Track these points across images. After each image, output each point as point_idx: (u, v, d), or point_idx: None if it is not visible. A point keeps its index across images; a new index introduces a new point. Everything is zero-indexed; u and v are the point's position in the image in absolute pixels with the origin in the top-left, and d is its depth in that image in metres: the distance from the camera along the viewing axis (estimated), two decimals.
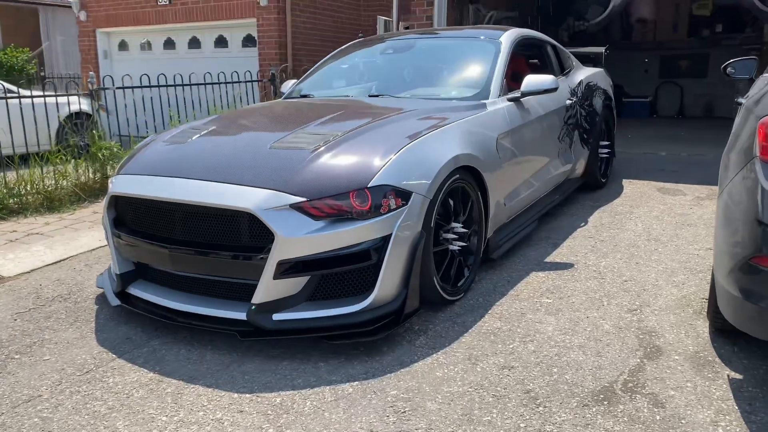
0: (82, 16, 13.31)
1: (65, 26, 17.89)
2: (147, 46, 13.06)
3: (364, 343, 2.99)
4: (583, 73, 5.59)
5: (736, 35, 11.84)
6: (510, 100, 4.11)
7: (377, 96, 4.24)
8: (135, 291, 3.31)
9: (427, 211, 3.07)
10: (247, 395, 2.61)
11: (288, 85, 5.02)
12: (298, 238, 2.79)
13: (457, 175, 3.30)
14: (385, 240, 2.90)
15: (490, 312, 3.33)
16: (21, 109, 6.32)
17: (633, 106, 12.61)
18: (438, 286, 3.21)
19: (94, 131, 6.45)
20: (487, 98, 3.98)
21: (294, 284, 2.87)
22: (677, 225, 4.78)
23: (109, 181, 3.53)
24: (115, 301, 3.34)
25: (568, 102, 4.96)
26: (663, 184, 6.12)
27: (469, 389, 2.60)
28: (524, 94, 4.11)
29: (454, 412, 2.45)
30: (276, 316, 2.88)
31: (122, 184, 3.28)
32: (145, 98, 7.38)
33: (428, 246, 3.10)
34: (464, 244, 3.44)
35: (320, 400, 2.56)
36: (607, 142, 5.83)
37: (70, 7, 15.22)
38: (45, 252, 4.63)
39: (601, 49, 6.21)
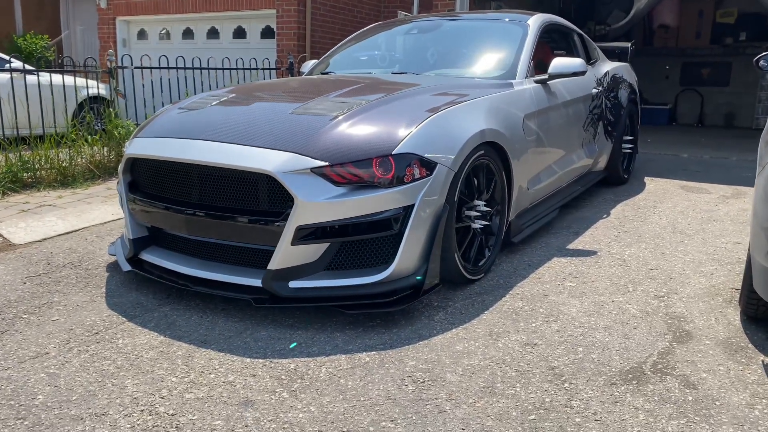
0: (103, 3, 13.34)
1: (85, 15, 17.91)
2: (166, 35, 13.06)
3: (382, 316, 2.90)
4: (609, 65, 5.48)
5: (761, 44, 11.68)
6: (537, 82, 4.01)
7: (400, 74, 4.15)
8: (148, 257, 3.24)
9: (451, 184, 2.98)
10: (261, 360, 2.52)
11: (308, 65, 4.94)
12: (318, 203, 2.70)
13: (482, 151, 3.20)
14: (407, 210, 2.81)
15: (511, 292, 3.23)
16: (39, 87, 6.29)
17: (652, 113, 12.46)
18: (459, 263, 3.11)
19: (110, 109, 6.40)
20: (513, 78, 3.88)
21: (312, 251, 2.78)
22: (703, 220, 4.65)
23: (125, 145, 3.46)
24: (126, 267, 3.26)
25: (594, 91, 4.85)
26: (686, 183, 5.99)
27: (491, 363, 2.50)
28: (552, 76, 4.01)
29: (475, 384, 2.34)
30: (293, 284, 2.79)
31: (139, 146, 3.21)
32: (163, 81, 7.33)
33: (451, 220, 3.01)
34: (486, 223, 3.34)
35: (336, 368, 2.46)
36: (630, 137, 5.71)
37: None
38: (57, 222, 4.56)
39: (627, 44, 6.10)
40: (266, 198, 2.81)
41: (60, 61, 16.07)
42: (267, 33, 11.55)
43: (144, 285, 3.31)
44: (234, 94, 3.59)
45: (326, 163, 2.73)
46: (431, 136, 2.95)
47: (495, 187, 3.42)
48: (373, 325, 2.84)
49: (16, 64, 8.81)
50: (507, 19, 4.47)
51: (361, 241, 2.83)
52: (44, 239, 4.25)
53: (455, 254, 3.08)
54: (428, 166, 2.87)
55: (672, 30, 12.85)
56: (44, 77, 7.16)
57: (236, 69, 7.81)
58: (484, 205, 3.31)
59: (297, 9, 10.68)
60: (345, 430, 2.07)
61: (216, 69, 7.62)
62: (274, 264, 2.77)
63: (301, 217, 2.70)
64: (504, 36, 4.29)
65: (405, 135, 2.87)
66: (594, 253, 3.86)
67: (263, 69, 8.33)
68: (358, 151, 2.78)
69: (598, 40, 12.65)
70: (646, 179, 6.10)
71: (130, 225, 3.28)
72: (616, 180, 5.58)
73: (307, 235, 2.73)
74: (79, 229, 4.45)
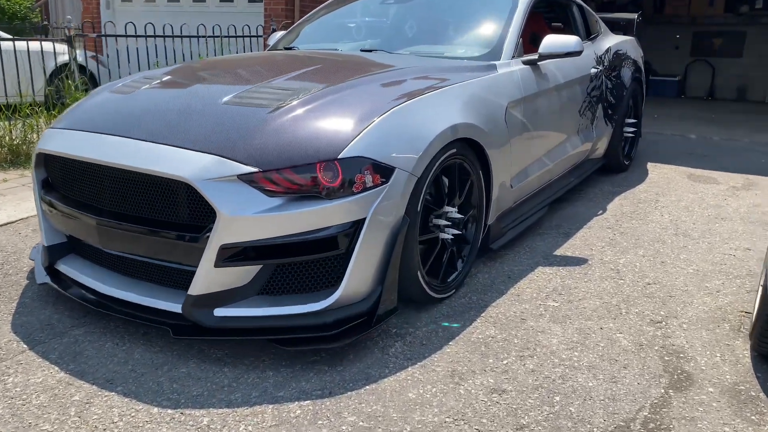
0: None
1: None
2: None
3: (327, 348, 2.45)
4: (611, 40, 4.93)
5: None
6: (525, 63, 3.49)
7: (370, 51, 3.63)
8: (64, 268, 2.79)
9: (413, 191, 2.50)
10: (170, 411, 2.09)
11: (276, 37, 4.42)
12: (247, 218, 2.23)
13: (454, 150, 2.72)
14: (357, 225, 2.34)
15: (483, 315, 2.78)
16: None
17: (660, 85, 11.87)
18: (422, 282, 2.66)
19: (69, 81, 5.89)
20: (498, 59, 3.37)
21: (241, 274, 2.33)
22: (710, 218, 4.17)
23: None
24: (41, 278, 2.82)
25: (593, 71, 4.32)
26: (693, 170, 5.48)
27: (447, 419, 2.06)
28: (542, 57, 3.49)
29: None
30: (219, 312, 2.34)
31: (50, 140, 2.73)
32: (140, 49, 6.82)
33: (412, 234, 2.54)
34: (458, 232, 2.87)
35: (257, 425, 2.02)
36: (633, 120, 5.19)
37: None
38: None
39: (634, 16, 5.54)
40: (187, 209, 2.35)
41: (45, 24, 15.45)
42: None
43: (63, 299, 2.87)
44: (170, 76, 3.10)
45: (257, 169, 2.26)
46: (389, 135, 2.47)
47: (471, 188, 2.95)
48: (315, 360, 2.40)
49: None
50: None
51: (304, 262, 2.37)
52: None
53: (418, 272, 2.62)
54: (384, 171, 2.39)
55: None
56: (11, 44, 6.61)
57: (213, 37, 7.25)
58: (457, 212, 2.85)
59: None
60: None
61: (190, 37, 7.06)
62: (195, 289, 2.31)
63: (226, 235, 2.24)
64: (491, 9, 3.75)
65: (356, 134, 2.39)
66: (584, 261, 3.39)
67: (245, 36, 7.77)
68: (298, 154, 2.31)
69: (606, 7, 12.02)
70: (649, 165, 5.59)
71: (45, 230, 2.83)
72: (616, 167, 5.09)
73: (233, 255, 2.27)
74: (16, 221, 4.00)
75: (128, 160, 2.36)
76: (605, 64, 4.57)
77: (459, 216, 2.85)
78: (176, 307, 2.38)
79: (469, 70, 3.16)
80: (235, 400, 2.15)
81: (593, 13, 4.93)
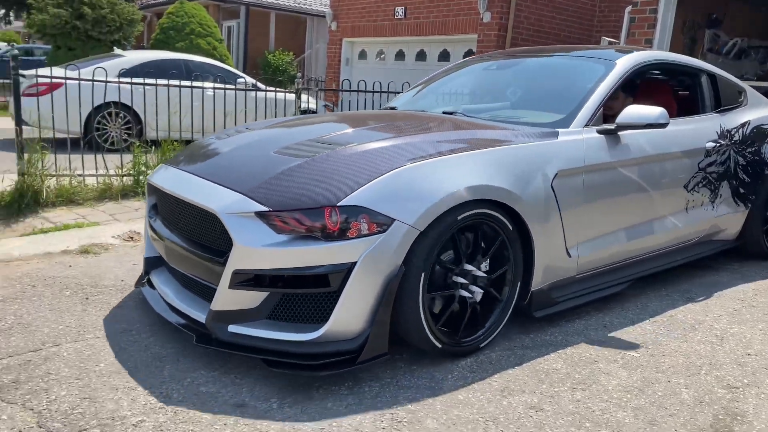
0: (333, 26, 14.51)
1: (327, 36, 19.67)
2: (381, 56, 13.77)
3: (336, 378, 2.56)
4: (756, 113, 4.46)
5: None
6: (601, 132, 3.43)
7: (451, 113, 3.84)
8: (155, 278, 3.37)
9: (414, 244, 2.67)
10: (157, 402, 2.31)
11: (399, 96, 4.85)
12: (256, 249, 2.57)
13: (474, 210, 2.81)
14: (349, 267, 2.60)
15: (560, 351, 2.79)
16: (255, 101, 6.88)
17: None
18: (430, 334, 2.72)
19: None
20: (566, 127, 3.33)
21: (251, 298, 2.64)
22: None
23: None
24: (136, 284, 3.48)
25: (710, 145, 3.99)
26: None
27: (480, 418, 2.08)
28: (620, 127, 3.38)
29: None
30: (232, 328, 2.64)
31: (156, 173, 3.38)
32: (360, 100, 7.82)
33: (412, 285, 2.62)
34: (480, 290, 2.92)
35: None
36: None
37: None
38: None
39: None
40: (219, 236, 2.80)
41: (301, 76, 17.74)
42: (469, 56, 11.55)
43: None
44: (263, 128, 3.63)
45: (268, 209, 2.64)
46: (394, 189, 2.64)
47: (504, 250, 2.99)
48: (318, 384, 2.54)
49: (245, 80, 10.00)
50: (597, 57, 3.90)
51: (303, 294, 2.68)
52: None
53: (425, 326, 2.67)
54: (381, 221, 2.60)
55: None
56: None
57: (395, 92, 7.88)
58: (483, 271, 2.93)
59: (497, 35, 10.49)
60: None
61: (386, 92, 7.81)
62: (215, 305, 2.65)
63: (239, 262, 2.60)
64: (581, 76, 3.72)
65: (360, 185, 2.61)
66: (692, 325, 3.13)
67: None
68: (304, 199, 2.58)
69: None
70: None
71: (146, 244, 3.49)
72: (756, 253, 4.50)
73: (244, 281, 2.62)
74: None
75: (187, 193, 2.89)
76: (735, 138, 4.17)
77: (483, 275, 2.92)
78: (202, 317, 2.82)
79: (524, 136, 3.20)
80: (217, 405, 2.35)
81: (738, 83, 4.52)
